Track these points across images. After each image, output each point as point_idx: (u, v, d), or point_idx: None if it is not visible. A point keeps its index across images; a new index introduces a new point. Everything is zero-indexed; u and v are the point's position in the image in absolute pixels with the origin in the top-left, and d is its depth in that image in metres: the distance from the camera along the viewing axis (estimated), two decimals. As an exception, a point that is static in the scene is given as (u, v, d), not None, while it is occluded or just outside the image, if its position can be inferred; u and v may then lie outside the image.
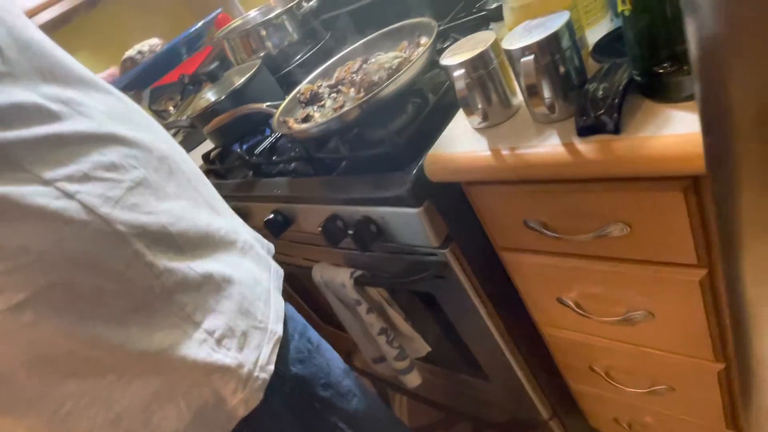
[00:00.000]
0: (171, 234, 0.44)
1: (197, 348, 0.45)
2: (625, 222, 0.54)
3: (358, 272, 0.82)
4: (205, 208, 0.51)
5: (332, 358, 0.63)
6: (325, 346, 0.64)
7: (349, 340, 1.04)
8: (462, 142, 0.61)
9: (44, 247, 0.36)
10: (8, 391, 0.38)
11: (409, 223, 0.68)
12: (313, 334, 0.62)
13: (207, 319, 0.46)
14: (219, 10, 1.38)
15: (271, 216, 0.88)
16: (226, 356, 0.46)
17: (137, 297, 0.42)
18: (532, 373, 0.89)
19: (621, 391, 0.80)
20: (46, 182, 0.37)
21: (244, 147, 1.00)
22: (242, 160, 0.96)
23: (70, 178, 0.38)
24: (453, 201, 0.68)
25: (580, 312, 0.69)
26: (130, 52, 1.29)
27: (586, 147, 0.48)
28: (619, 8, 0.43)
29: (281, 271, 0.62)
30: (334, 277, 0.85)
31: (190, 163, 0.55)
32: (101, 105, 0.44)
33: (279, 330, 0.53)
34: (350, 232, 0.72)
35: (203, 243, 0.48)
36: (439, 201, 0.67)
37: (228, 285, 0.49)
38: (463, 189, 0.67)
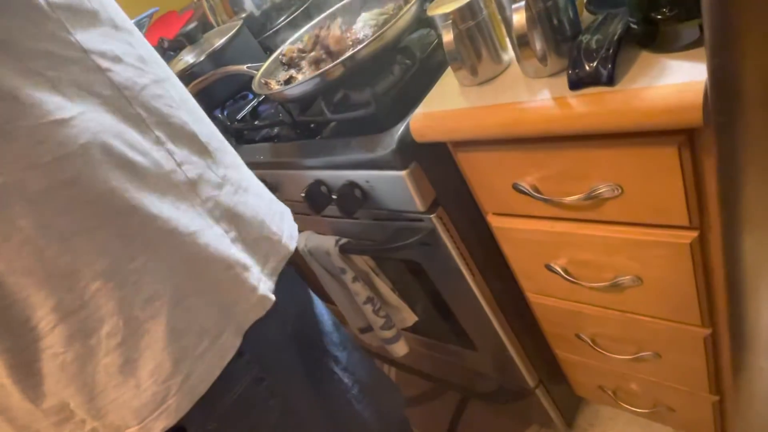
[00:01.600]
0: (192, 131, 0.47)
1: (217, 241, 0.47)
2: (616, 182, 0.52)
3: (344, 240, 0.80)
4: (214, 127, 0.54)
5: (325, 312, 0.66)
6: (319, 301, 0.66)
7: (336, 312, 1.03)
8: (450, 100, 0.58)
9: (78, 109, 0.39)
10: (38, 261, 0.37)
11: (394, 187, 0.66)
12: (306, 285, 0.65)
13: (224, 218, 0.49)
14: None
15: (254, 183, 0.86)
16: (238, 254, 0.49)
17: (165, 177, 0.44)
18: (518, 341, 0.89)
19: (607, 359, 0.80)
20: (84, 51, 0.40)
21: (225, 113, 0.96)
22: (223, 126, 0.93)
23: (104, 55, 0.41)
24: (440, 164, 0.66)
25: (569, 278, 0.68)
26: None
27: (577, 100, 0.46)
28: (617, -53, 0.40)
29: (289, 210, 0.63)
30: (320, 246, 0.83)
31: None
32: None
33: (291, 247, 0.56)
34: (334, 197, 0.70)
35: (220, 149, 0.51)
36: (426, 164, 0.65)
37: (244, 193, 0.51)
38: (450, 151, 0.64)
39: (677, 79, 0.40)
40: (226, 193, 0.49)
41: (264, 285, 0.50)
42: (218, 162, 0.50)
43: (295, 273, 0.62)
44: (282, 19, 1.08)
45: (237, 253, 0.48)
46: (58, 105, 0.38)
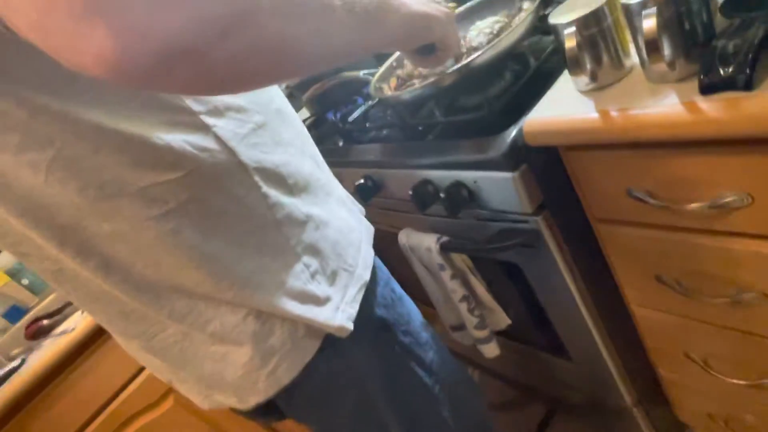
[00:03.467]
0: (282, 174, 0.51)
1: (295, 277, 0.51)
2: (746, 191, 0.50)
3: (445, 238, 0.84)
4: (309, 159, 0.57)
5: (413, 311, 0.67)
6: (407, 299, 0.68)
7: (427, 313, 1.06)
8: (566, 104, 0.59)
9: (187, 166, 0.43)
10: (152, 281, 0.46)
11: (502, 188, 0.68)
12: (397, 287, 0.67)
13: (305, 254, 0.52)
14: None
15: (362, 181, 0.92)
16: (317, 288, 0.52)
17: (253, 222, 0.48)
18: (618, 355, 0.86)
19: (720, 383, 0.75)
20: (192, 113, 0.44)
21: (338, 115, 1.05)
22: (336, 127, 1.01)
23: (209, 113, 0.45)
24: (549, 168, 0.67)
25: (683, 292, 0.66)
26: None
27: (709, 105, 0.45)
28: (764, -50, 0.40)
29: (372, 228, 0.67)
30: (421, 242, 0.87)
31: (299, 120, 0.61)
32: None
33: (366, 276, 0.58)
34: (441, 195, 0.74)
35: (307, 188, 0.54)
36: (535, 167, 0.66)
37: (325, 227, 0.55)
38: (560, 155, 0.65)
39: (827, 84, 0.39)
40: (307, 230, 0.52)
41: (342, 314, 0.54)
42: (304, 200, 0.53)
43: (387, 275, 0.66)
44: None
45: (315, 287, 0.52)
46: (172, 165, 0.43)
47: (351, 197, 0.68)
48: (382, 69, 0.89)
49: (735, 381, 0.73)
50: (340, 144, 1.02)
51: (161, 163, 0.42)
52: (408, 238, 0.91)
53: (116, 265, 0.45)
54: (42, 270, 0.47)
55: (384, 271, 0.65)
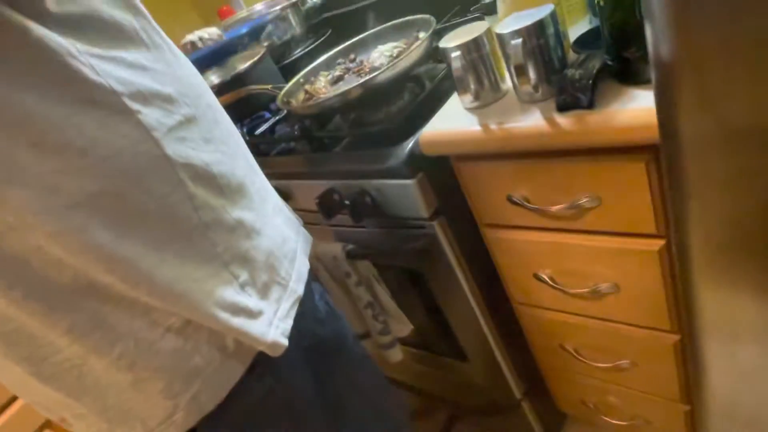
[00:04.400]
0: (212, 173, 0.46)
1: (223, 287, 0.46)
2: (595, 194, 0.61)
3: (350, 246, 0.88)
4: (242, 160, 0.53)
5: (345, 326, 0.66)
6: (340, 313, 0.66)
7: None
8: (455, 119, 0.68)
9: (101, 153, 0.38)
10: (50, 284, 0.39)
11: (402, 194, 0.74)
12: (330, 300, 0.65)
13: (234, 263, 0.47)
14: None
15: (269, 192, 0.93)
16: (248, 300, 0.48)
17: (176, 225, 0.43)
18: (507, 352, 0.95)
19: (588, 368, 0.87)
20: (113, 93, 0.39)
21: (245, 128, 1.05)
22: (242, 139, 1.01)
23: (133, 96, 0.40)
24: (443, 177, 0.75)
25: (555, 285, 0.76)
26: (191, 37, 1.31)
27: (564, 120, 0.55)
28: (596, 0, 0.51)
29: (311, 238, 0.64)
30: (327, 251, 0.90)
31: (229, 119, 0.57)
32: (168, 49, 0.48)
33: (300, 290, 0.55)
34: (346, 203, 0.78)
35: (239, 191, 0.49)
36: (431, 176, 0.74)
37: (257, 236, 0.50)
38: (452, 165, 0.73)
39: (643, 104, 0.50)
40: (237, 236, 0.48)
41: (275, 330, 0.49)
42: (234, 204, 0.48)
43: (321, 287, 0.64)
44: (299, 50, 1.19)
45: (245, 299, 0.48)
46: (81, 150, 0.38)
47: (288, 206, 0.64)
48: (290, 84, 0.93)
49: (599, 365, 0.84)
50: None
51: (68, 147, 0.37)
52: (315, 248, 0.93)
53: (2, 262, 0.38)
54: None
55: (318, 284, 0.63)
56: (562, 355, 0.90)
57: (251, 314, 0.48)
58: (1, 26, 0.35)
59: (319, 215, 0.84)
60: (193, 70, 0.51)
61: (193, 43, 1.28)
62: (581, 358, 0.87)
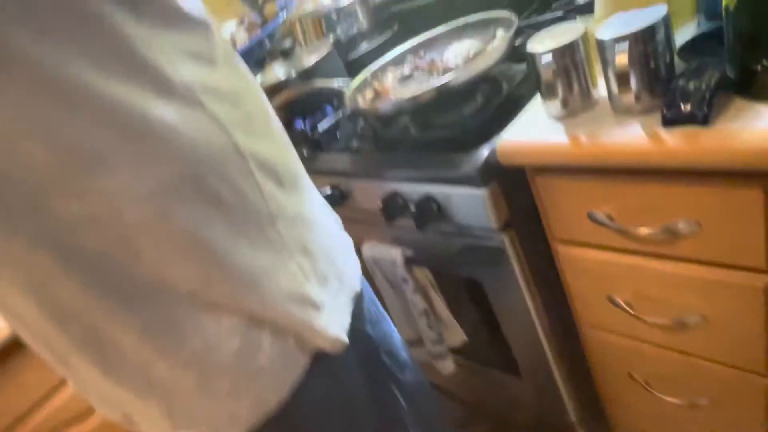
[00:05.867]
0: (274, 165, 0.47)
1: (290, 277, 0.46)
2: (696, 219, 0.55)
3: (410, 251, 0.85)
4: (294, 155, 0.54)
5: (393, 330, 0.65)
6: (387, 317, 0.66)
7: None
8: (538, 128, 0.63)
9: (180, 141, 0.39)
10: (126, 280, 0.39)
11: (472, 203, 0.70)
12: (379, 304, 0.64)
13: (298, 253, 0.48)
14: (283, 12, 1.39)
15: (329, 191, 0.92)
16: (312, 290, 0.48)
17: (249, 213, 0.44)
18: (567, 373, 0.89)
19: (658, 401, 0.80)
20: (189, 89, 0.40)
21: (307, 123, 1.04)
22: (304, 135, 1.00)
23: (205, 91, 0.41)
24: (516, 188, 0.70)
25: (631, 312, 0.70)
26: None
27: (671, 136, 0.49)
28: (725, 2, 0.44)
29: (351, 240, 0.63)
30: (385, 255, 0.87)
31: (279, 121, 0.57)
32: (226, 44, 0.48)
33: (356, 286, 0.55)
34: (411, 208, 0.75)
35: (295, 184, 0.50)
36: (504, 185, 0.69)
37: (314, 229, 0.51)
38: (528, 177, 0.69)
39: (772, 125, 0.44)
40: (298, 227, 0.49)
41: (336, 324, 0.50)
42: (291, 196, 0.49)
43: (371, 290, 0.63)
44: (366, 45, 1.16)
45: (310, 289, 0.48)
46: (162, 139, 0.39)
47: (330, 206, 0.64)
48: (357, 81, 0.90)
49: (671, 399, 0.78)
50: (304, 153, 1.01)
51: (150, 135, 0.38)
52: (372, 250, 0.91)
53: (79, 258, 0.37)
54: None
55: (368, 287, 0.62)
56: (629, 384, 0.83)
57: (315, 305, 0.48)
58: (97, 22, 0.35)
59: (378, 215, 0.82)
60: (245, 66, 0.52)
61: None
62: (651, 390, 0.80)
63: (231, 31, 1.43)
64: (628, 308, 0.70)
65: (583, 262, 0.72)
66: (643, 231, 0.60)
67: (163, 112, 0.38)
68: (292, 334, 0.47)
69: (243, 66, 0.51)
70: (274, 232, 0.46)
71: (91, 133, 0.35)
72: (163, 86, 0.39)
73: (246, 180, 0.44)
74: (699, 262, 0.59)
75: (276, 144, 0.50)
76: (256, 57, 1.32)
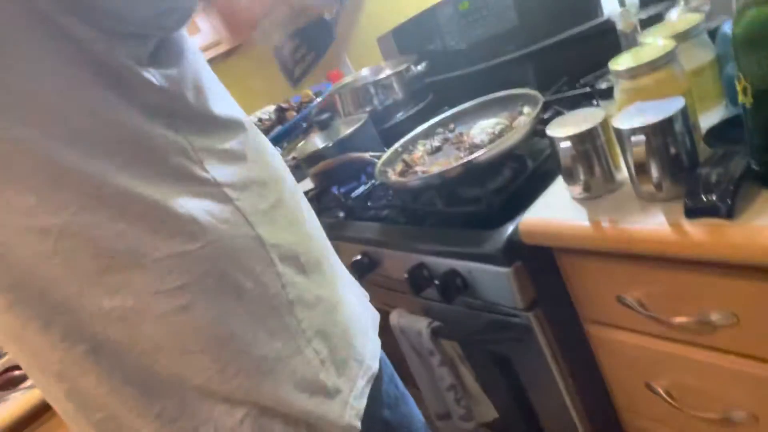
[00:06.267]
0: (296, 253, 0.49)
1: (305, 365, 0.48)
2: (731, 311, 0.52)
3: (436, 323, 0.84)
4: (319, 238, 0.56)
5: (414, 411, 0.64)
6: (409, 396, 0.64)
7: (413, 394, 1.03)
8: (561, 209, 0.63)
9: (207, 237, 0.42)
10: (145, 370, 0.42)
11: (496, 281, 0.69)
12: (400, 382, 0.63)
13: (315, 339, 0.49)
14: (321, 96, 1.49)
15: (359, 257, 0.94)
16: (327, 378, 0.49)
17: (268, 302, 0.46)
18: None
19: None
20: (216, 185, 0.43)
21: (342, 190, 1.08)
22: (338, 201, 1.04)
23: (233, 186, 0.45)
24: (543, 266, 0.69)
25: (672, 402, 0.65)
26: (251, 118, 1.47)
27: (694, 228, 0.48)
28: (740, 100, 0.44)
29: (378, 316, 0.64)
30: (412, 325, 0.87)
31: (307, 202, 0.60)
32: (257, 133, 0.52)
33: (375, 366, 0.55)
34: (436, 282, 0.75)
35: (317, 269, 0.52)
36: (529, 264, 0.68)
37: (335, 312, 0.52)
38: (554, 256, 0.68)
39: (802, 223, 0.42)
40: (317, 312, 0.50)
41: (350, 412, 0.50)
42: (313, 281, 0.50)
43: (392, 369, 0.62)
44: (400, 114, 1.22)
45: (326, 377, 0.49)
46: (192, 235, 0.41)
47: (356, 282, 0.66)
48: (388, 153, 0.94)
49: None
50: (341, 215, 1.04)
51: (181, 233, 0.40)
52: (399, 318, 0.90)
53: (107, 351, 0.40)
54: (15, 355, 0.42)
55: (388, 365, 0.62)
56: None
57: (328, 393, 0.49)
58: (136, 140, 0.40)
59: (406, 285, 0.82)
60: (275, 151, 0.55)
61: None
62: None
63: (269, 111, 1.55)
64: (667, 397, 0.66)
65: (617, 345, 0.69)
66: (675, 319, 0.57)
67: (193, 210, 0.41)
68: (304, 425, 0.47)
69: (272, 153, 0.53)
70: (293, 320, 0.47)
71: (129, 235, 0.39)
72: (195, 185, 0.42)
73: (267, 270, 0.46)
74: (741, 354, 0.55)
75: (299, 231, 0.52)
76: (294, 134, 1.43)
